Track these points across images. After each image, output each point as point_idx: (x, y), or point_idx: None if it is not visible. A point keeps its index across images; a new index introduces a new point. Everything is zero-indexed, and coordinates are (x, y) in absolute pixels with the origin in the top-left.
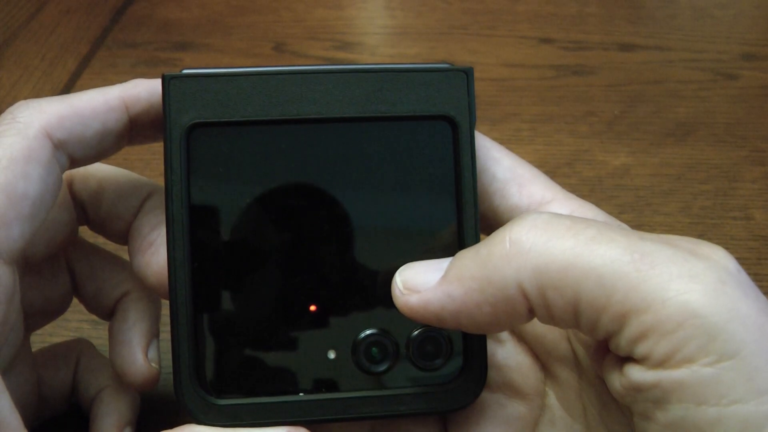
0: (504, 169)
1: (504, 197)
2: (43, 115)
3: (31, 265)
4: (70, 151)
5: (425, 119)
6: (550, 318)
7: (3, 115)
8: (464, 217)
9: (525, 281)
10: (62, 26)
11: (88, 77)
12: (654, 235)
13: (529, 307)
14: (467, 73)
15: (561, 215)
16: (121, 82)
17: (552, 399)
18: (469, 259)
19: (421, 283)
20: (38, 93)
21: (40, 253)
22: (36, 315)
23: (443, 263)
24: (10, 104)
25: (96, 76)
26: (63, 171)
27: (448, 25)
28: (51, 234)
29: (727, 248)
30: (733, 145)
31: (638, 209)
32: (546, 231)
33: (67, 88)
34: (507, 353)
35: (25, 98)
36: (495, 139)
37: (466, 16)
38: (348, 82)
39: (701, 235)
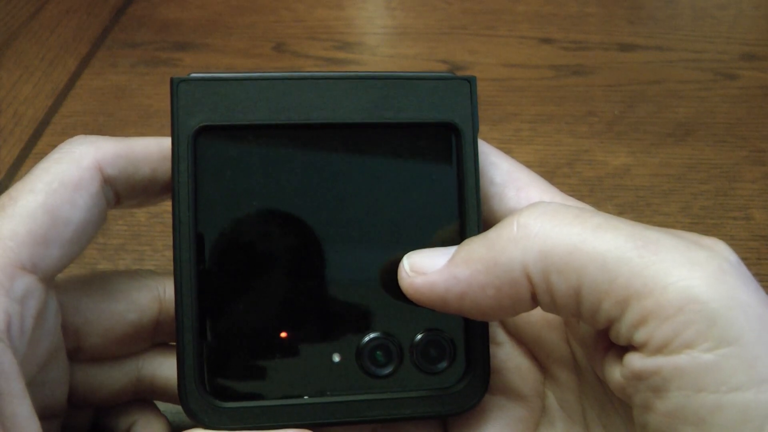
0: (502, 173)
1: (502, 201)
2: (98, 150)
3: (88, 353)
4: (118, 189)
5: (429, 126)
6: (553, 304)
7: (61, 144)
8: (467, 221)
9: (530, 264)
10: (62, 26)
11: (88, 77)
12: (658, 227)
13: (532, 292)
14: (470, 82)
15: (569, 205)
16: (121, 82)
17: (551, 400)
18: (477, 242)
19: (428, 266)
20: (38, 93)
21: (98, 345)
22: (95, 399)
23: (450, 249)
24: (11, 104)
25: (96, 76)
26: (109, 206)
27: (448, 25)
28: (110, 328)
29: None
30: (733, 145)
31: (638, 209)
32: (554, 217)
33: (67, 88)
34: (505, 355)
35: (25, 98)
36: (495, 139)
37: (466, 16)
38: (355, 88)
39: None
